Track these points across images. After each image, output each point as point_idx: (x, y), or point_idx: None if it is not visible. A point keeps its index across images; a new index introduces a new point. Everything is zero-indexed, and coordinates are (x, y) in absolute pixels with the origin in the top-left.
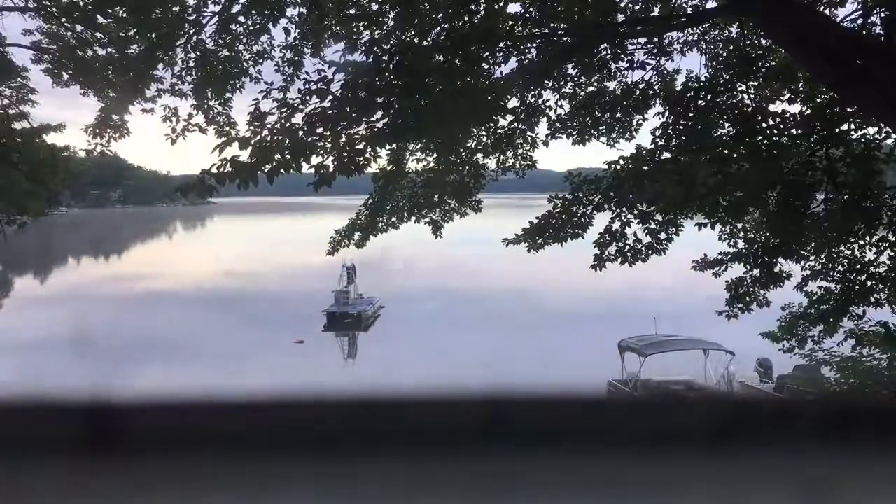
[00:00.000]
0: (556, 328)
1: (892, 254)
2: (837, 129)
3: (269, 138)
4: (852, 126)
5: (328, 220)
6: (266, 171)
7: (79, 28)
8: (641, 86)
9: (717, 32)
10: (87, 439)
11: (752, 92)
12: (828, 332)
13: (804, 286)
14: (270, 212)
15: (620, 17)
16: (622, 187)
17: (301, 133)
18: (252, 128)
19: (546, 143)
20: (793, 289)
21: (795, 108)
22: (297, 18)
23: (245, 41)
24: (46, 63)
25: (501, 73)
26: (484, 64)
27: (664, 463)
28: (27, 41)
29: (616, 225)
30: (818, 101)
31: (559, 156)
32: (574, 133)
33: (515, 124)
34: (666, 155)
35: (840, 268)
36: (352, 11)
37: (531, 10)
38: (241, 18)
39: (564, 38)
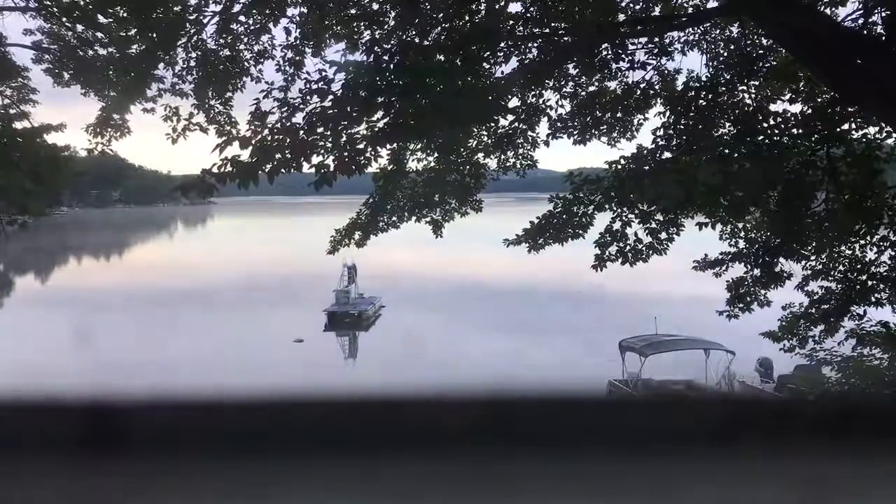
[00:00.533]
0: (557, 328)
1: (892, 253)
2: (838, 129)
3: (269, 138)
4: (853, 126)
5: (328, 221)
6: (267, 170)
7: (79, 28)
8: (642, 85)
9: (717, 32)
10: (87, 439)
11: (753, 92)
12: (828, 332)
13: (805, 286)
14: (271, 212)
15: (621, 17)
16: (623, 187)
17: (302, 132)
18: (253, 127)
19: (547, 143)
20: (793, 288)
21: (796, 108)
22: (297, 18)
23: (246, 41)
24: (47, 63)
25: (502, 72)
26: (485, 64)
27: (664, 463)
28: (28, 41)
29: (617, 225)
30: (819, 100)
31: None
32: (575, 133)
33: (516, 124)
34: (667, 155)
35: (841, 267)
36: (353, 11)
37: (532, 9)
38: (242, 18)
39: (565, 38)
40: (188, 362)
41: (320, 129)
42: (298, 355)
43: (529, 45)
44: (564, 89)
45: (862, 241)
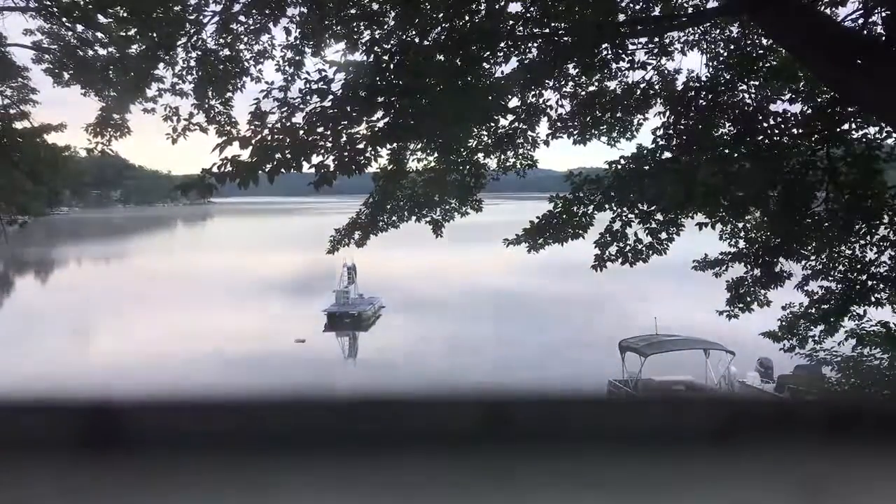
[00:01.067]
0: (557, 328)
1: (892, 253)
2: (838, 129)
3: (269, 137)
4: (853, 126)
5: (328, 221)
6: (267, 170)
7: (79, 28)
8: (642, 85)
9: (717, 32)
10: (88, 439)
11: (753, 91)
12: (828, 332)
13: (805, 286)
14: (271, 213)
15: (621, 17)
16: (623, 187)
17: (302, 132)
18: (253, 127)
19: (547, 143)
20: (793, 288)
21: (796, 108)
22: (297, 18)
23: (246, 41)
24: (47, 63)
25: (502, 72)
26: (484, 63)
27: (664, 463)
28: (28, 41)
29: (617, 225)
30: (819, 100)
31: (560, 155)
32: (575, 133)
33: (516, 124)
34: (667, 155)
35: (841, 267)
36: (352, 11)
37: (532, 9)
38: (242, 18)
39: (565, 38)
40: (188, 362)
41: (320, 129)
42: (298, 355)
43: (529, 45)
44: (564, 89)
45: (862, 241)
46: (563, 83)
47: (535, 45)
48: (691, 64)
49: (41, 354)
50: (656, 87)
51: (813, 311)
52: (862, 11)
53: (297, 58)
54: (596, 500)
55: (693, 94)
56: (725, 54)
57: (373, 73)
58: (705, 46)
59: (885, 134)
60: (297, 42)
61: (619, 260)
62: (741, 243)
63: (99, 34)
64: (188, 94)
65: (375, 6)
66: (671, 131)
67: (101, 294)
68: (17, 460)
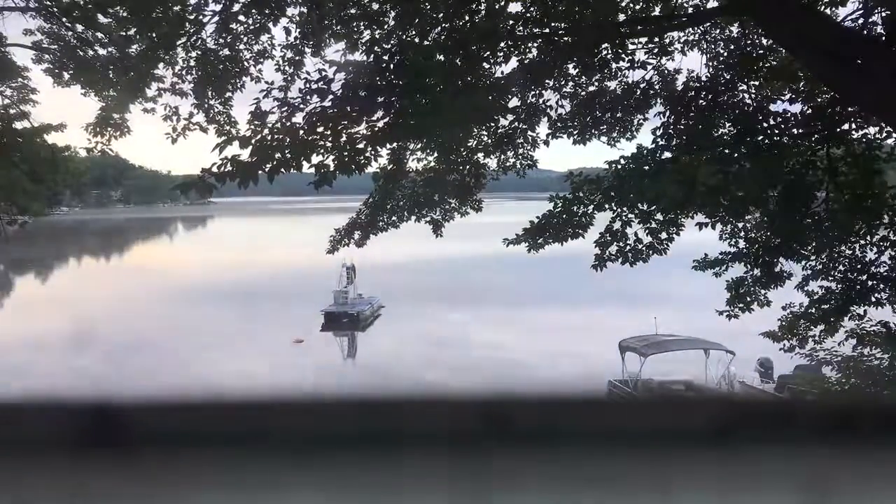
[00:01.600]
0: (557, 327)
1: (892, 253)
2: (838, 129)
3: (269, 137)
4: (853, 126)
5: (328, 221)
6: (266, 169)
7: (79, 28)
8: (642, 85)
9: (717, 32)
10: (88, 439)
11: (753, 91)
12: (829, 332)
13: (805, 286)
14: (271, 213)
15: (621, 17)
16: (623, 187)
17: (302, 132)
18: (253, 127)
19: (547, 143)
20: (793, 288)
21: (796, 108)
22: (297, 18)
23: (245, 40)
24: (47, 63)
25: (502, 72)
26: (485, 63)
27: (664, 463)
28: (28, 41)
29: (617, 225)
30: (819, 100)
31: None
32: (575, 133)
33: (516, 124)
34: (667, 154)
35: (841, 267)
36: (352, 11)
37: (532, 9)
38: (242, 18)
39: (565, 38)
40: (188, 362)
41: (320, 129)
42: (298, 355)
43: (529, 45)
44: (564, 89)
45: (862, 241)
46: (563, 83)
47: (535, 45)
48: (691, 64)
49: (41, 354)
50: (656, 87)
51: (813, 311)
52: (862, 11)
53: (297, 58)
54: (596, 499)
55: (693, 94)
56: (725, 54)
57: (373, 73)
58: (705, 46)
59: (885, 134)
60: (297, 42)
61: (619, 259)
62: (741, 243)
63: (99, 34)
64: (188, 93)
65: (375, 6)
66: (671, 131)
67: (100, 294)
68: (17, 460)
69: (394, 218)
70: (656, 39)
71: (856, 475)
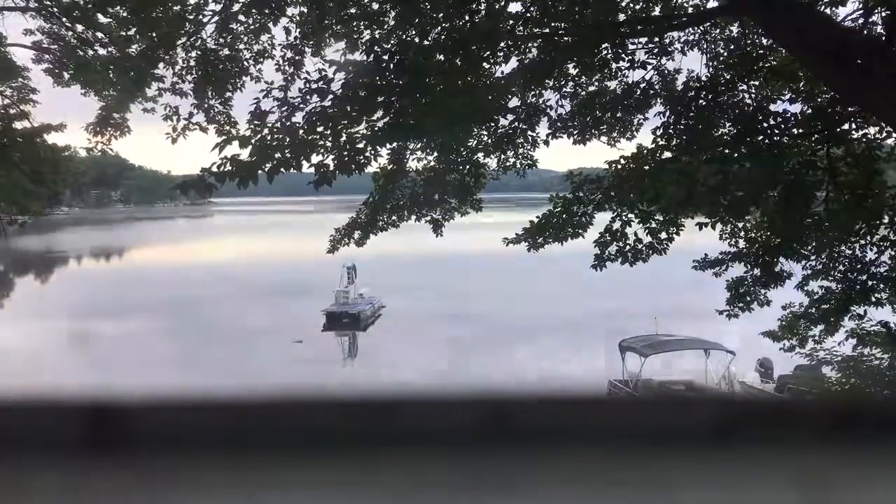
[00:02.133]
0: (556, 327)
1: (892, 253)
2: (838, 129)
3: (269, 137)
4: (853, 126)
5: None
6: (266, 169)
7: (79, 28)
8: (642, 85)
9: (717, 32)
10: (88, 439)
11: (753, 91)
12: (829, 332)
13: (805, 285)
14: (271, 213)
15: (621, 17)
16: (623, 187)
17: (301, 132)
18: (252, 127)
19: (547, 143)
20: (793, 288)
21: (796, 108)
22: (297, 17)
23: (245, 40)
24: (47, 63)
25: (502, 72)
26: (485, 63)
27: (664, 463)
28: (28, 41)
29: (617, 224)
30: (819, 100)
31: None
32: (575, 132)
33: (516, 124)
34: (667, 154)
35: (841, 267)
36: (352, 11)
37: (532, 9)
38: (242, 17)
39: (565, 38)
40: (188, 362)
41: (320, 129)
42: (298, 355)
43: (529, 44)
44: (564, 89)
45: (862, 241)
46: (563, 83)
47: (535, 45)
48: (691, 64)
49: (41, 354)
50: (656, 87)
51: (813, 311)
52: (862, 11)
53: (297, 57)
54: (596, 499)
55: (693, 94)
56: (725, 54)
57: (373, 73)
58: (705, 46)
59: (885, 134)
60: (297, 42)
61: (619, 259)
62: (741, 243)
63: (99, 34)
64: (188, 93)
65: (375, 6)
66: (671, 131)
67: (99, 294)
68: (17, 460)
69: (394, 217)
70: (656, 39)
71: (856, 475)
